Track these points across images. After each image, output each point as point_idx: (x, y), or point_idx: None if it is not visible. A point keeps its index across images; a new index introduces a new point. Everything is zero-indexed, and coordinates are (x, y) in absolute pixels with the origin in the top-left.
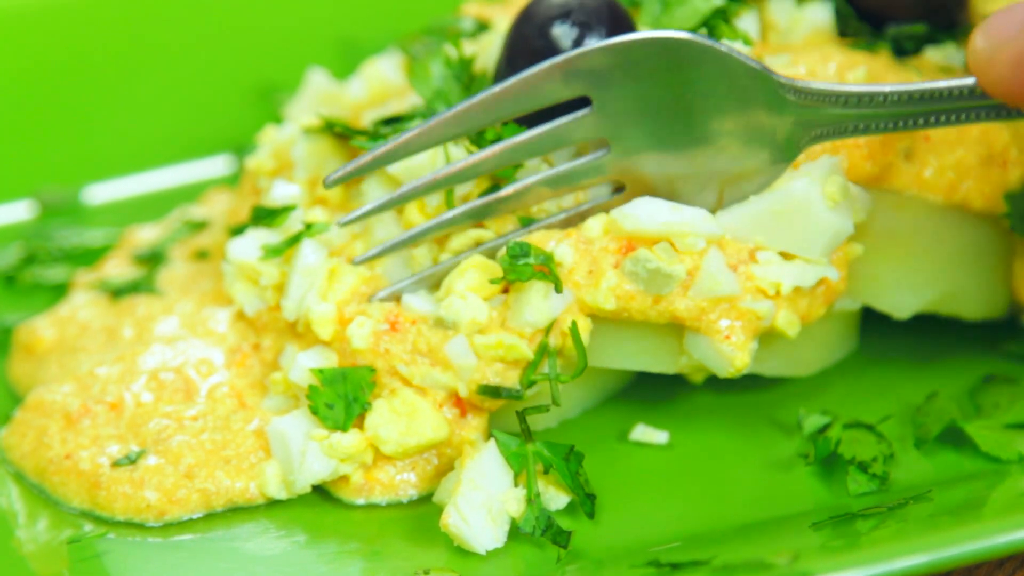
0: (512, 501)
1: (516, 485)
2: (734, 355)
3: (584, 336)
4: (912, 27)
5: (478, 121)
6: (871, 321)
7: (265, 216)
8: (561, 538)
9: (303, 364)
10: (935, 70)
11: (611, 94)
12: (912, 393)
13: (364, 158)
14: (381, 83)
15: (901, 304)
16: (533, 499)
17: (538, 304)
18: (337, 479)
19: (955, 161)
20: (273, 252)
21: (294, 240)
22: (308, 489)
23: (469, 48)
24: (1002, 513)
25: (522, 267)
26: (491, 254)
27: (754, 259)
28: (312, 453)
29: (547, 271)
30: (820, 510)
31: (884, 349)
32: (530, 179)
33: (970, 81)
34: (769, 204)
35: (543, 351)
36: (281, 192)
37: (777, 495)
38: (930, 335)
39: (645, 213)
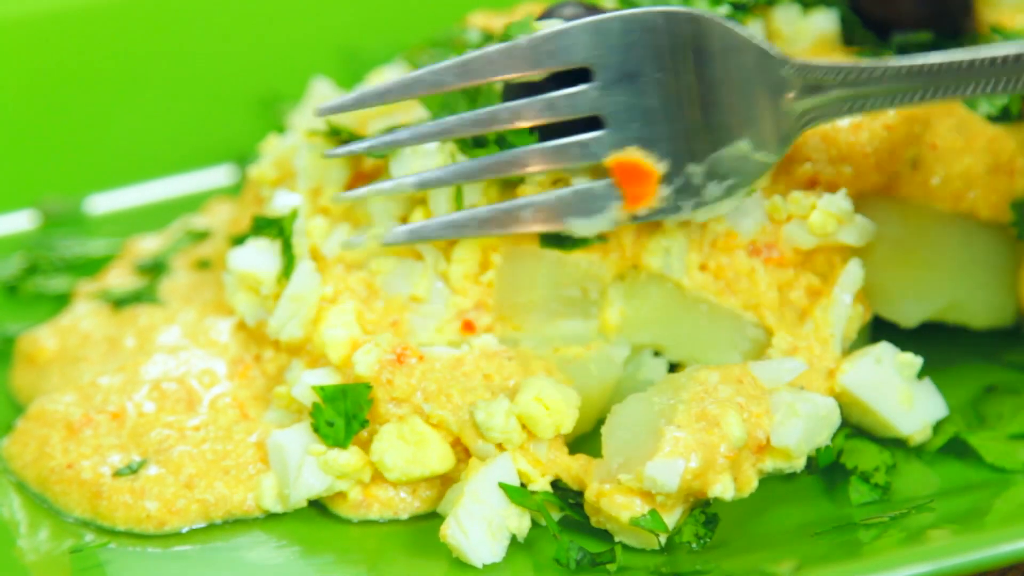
0: (513, 517)
1: None
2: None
3: None
4: (918, 35)
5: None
6: (874, 330)
7: (266, 226)
8: (605, 556)
9: (307, 381)
10: None
11: (614, 63)
12: None
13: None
14: None
15: (908, 313)
16: (558, 535)
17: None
18: (334, 495)
19: (962, 170)
20: (288, 271)
21: (290, 267)
22: (303, 503)
23: None
24: (1006, 522)
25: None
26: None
27: None
28: (308, 468)
29: None
30: (822, 520)
31: None
32: (525, 148)
33: (969, 56)
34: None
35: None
36: (283, 202)
37: (779, 504)
38: (932, 346)
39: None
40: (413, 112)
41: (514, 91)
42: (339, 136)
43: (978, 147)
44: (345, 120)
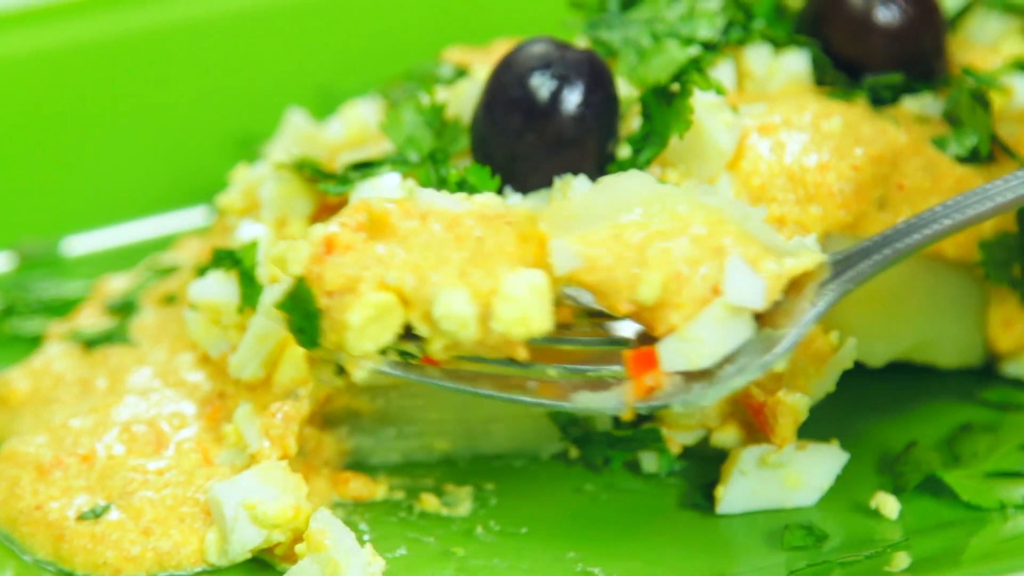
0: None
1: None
2: None
3: None
4: (889, 76)
5: None
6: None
7: (224, 257)
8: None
9: (268, 300)
10: (912, 120)
11: None
12: (889, 442)
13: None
14: (359, 125)
15: (874, 352)
16: None
17: None
18: (275, 546)
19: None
20: (247, 301)
21: (251, 297)
22: (246, 556)
23: (443, 95)
24: (982, 561)
25: None
26: None
27: None
28: (243, 522)
29: None
30: (797, 558)
31: (859, 399)
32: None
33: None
34: None
35: None
36: (247, 232)
37: (754, 542)
38: (906, 384)
39: None
40: (381, 145)
41: (481, 124)
42: (303, 170)
43: (945, 187)
44: (316, 153)
